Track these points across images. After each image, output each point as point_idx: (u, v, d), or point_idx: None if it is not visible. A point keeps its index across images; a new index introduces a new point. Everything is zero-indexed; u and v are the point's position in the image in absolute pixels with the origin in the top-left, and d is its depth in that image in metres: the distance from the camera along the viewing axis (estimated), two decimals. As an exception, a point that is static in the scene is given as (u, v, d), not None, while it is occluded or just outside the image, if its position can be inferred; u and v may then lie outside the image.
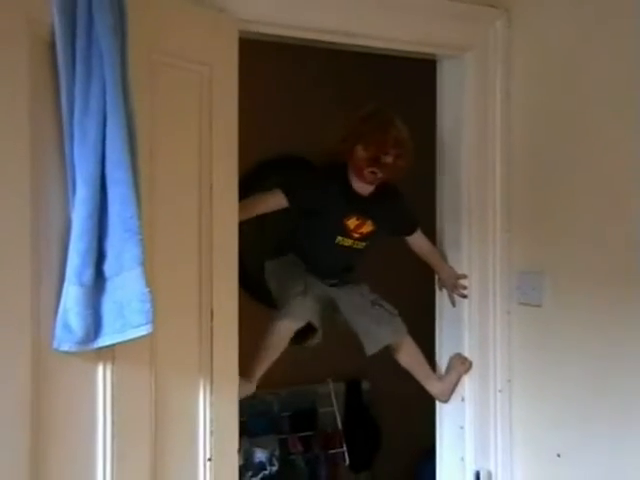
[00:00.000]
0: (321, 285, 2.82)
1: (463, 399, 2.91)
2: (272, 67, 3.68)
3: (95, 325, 1.85)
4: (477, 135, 2.90)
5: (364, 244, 2.80)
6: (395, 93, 3.56)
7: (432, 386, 2.94)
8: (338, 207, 2.73)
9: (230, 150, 2.31)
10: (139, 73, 1.99)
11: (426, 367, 2.95)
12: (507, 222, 2.90)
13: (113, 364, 1.97)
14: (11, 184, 1.78)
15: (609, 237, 2.57)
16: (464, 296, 2.89)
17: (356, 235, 2.77)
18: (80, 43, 1.82)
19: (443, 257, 2.98)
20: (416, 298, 3.20)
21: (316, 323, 2.74)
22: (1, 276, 1.76)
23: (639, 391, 2.47)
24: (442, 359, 2.99)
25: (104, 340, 1.87)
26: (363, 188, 2.73)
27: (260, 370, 2.67)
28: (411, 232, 2.92)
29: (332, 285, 2.85)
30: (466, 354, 2.89)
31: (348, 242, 2.77)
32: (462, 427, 2.91)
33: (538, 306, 2.79)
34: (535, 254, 2.83)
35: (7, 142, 1.77)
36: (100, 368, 1.95)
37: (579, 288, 2.66)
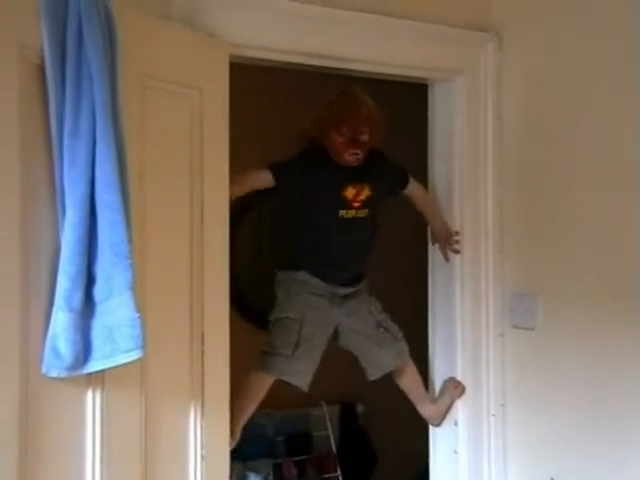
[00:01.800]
0: (328, 312, 2.73)
1: (456, 423, 2.90)
2: (262, 90, 3.67)
3: (84, 350, 1.83)
4: (469, 157, 2.91)
5: (366, 211, 2.74)
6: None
7: (425, 409, 2.93)
8: (331, 181, 2.69)
9: (221, 173, 2.31)
10: (129, 96, 1.99)
11: (422, 390, 2.94)
12: (500, 243, 2.91)
13: (103, 389, 1.94)
14: (0, 207, 1.77)
15: (603, 260, 2.57)
16: (456, 251, 2.88)
17: (356, 204, 2.71)
18: (70, 66, 1.82)
19: (435, 277, 2.97)
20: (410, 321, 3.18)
21: (297, 383, 2.68)
22: (-11, 300, 1.75)
23: (634, 415, 2.47)
24: (435, 381, 2.99)
25: (93, 365, 1.85)
26: (349, 163, 2.70)
27: (241, 423, 2.57)
28: (406, 182, 2.89)
29: (345, 297, 2.77)
30: (459, 377, 2.89)
31: (351, 213, 2.71)
32: (456, 451, 2.90)
33: (531, 329, 2.79)
34: (528, 276, 2.83)
35: (-4, 165, 1.77)
36: (89, 393, 1.93)
37: (573, 311, 2.66)
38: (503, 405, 2.89)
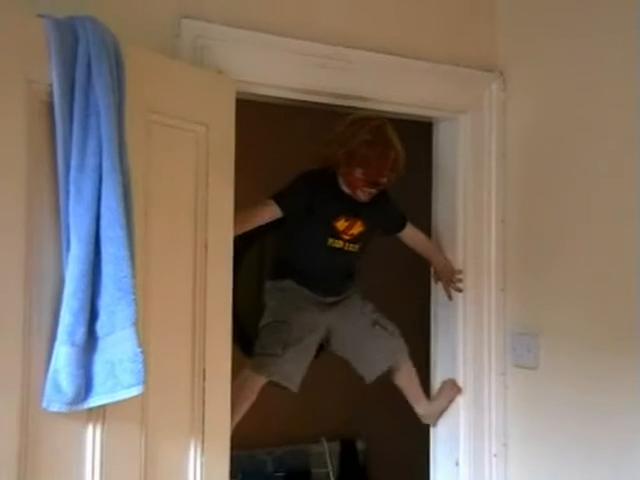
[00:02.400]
0: (316, 314, 2.75)
1: (458, 463, 2.88)
2: (262, 126, 3.69)
3: (86, 385, 1.83)
4: (473, 195, 2.92)
5: (357, 246, 2.76)
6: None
7: (420, 408, 2.93)
8: (326, 209, 2.71)
9: (226, 208, 2.31)
10: (136, 133, 2.01)
11: (419, 389, 2.93)
12: (502, 282, 2.90)
13: (103, 424, 1.94)
14: (5, 241, 1.78)
15: (604, 300, 2.56)
16: (459, 290, 2.87)
17: (346, 237, 2.73)
18: (78, 103, 1.84)
19: (437, 315, 2.97)
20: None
21: (287, 384, 2.68)
22: (-8, 334, 1.75)
23: (636, 459, 2.44)
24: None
25: (95, 400, 1.85)
26: (354, 196, 2.71)
27: (232, 425, 2.49)
28: (402, 227, 2.90)
29: (332, 304, 2.79)
30: (461, 418, 2.86)
31: (339, 244, 2.73)
32: (457, 491, 2.88)
33: (534, 369, 2.77)
34: (530, 315, 2.82)
35: (3, 198, 1.78)
36: (90, 428, 1.92)
37: (575, 351, 2.65)
38: (505, 445, 2.87)
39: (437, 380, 2.97)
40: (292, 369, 2.68)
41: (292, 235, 2.80)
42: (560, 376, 2.69)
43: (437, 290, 2.98)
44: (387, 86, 2.71)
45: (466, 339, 2.88)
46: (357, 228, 2.74)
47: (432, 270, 2.97)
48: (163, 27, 2.31)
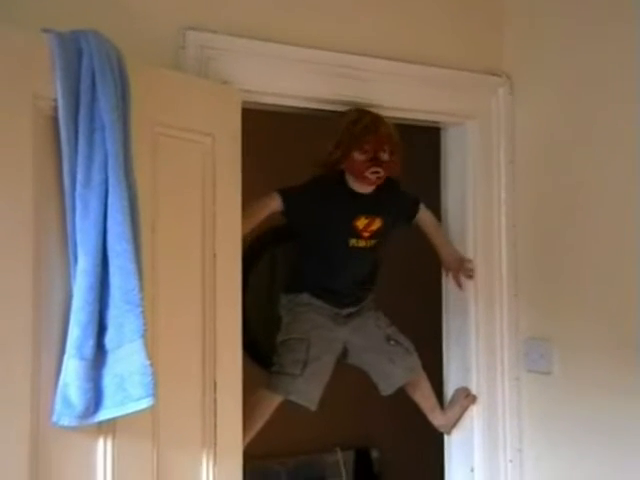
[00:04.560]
0: (333, 330, 2.73)
1: (472, 469, 2.86)
2: (266, 134, 3.68)
3: (95, 398, 1.82)
4: (482, 201, 2.91)
5: (374, 242, 2.73)
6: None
7: (435, 418, 2.92)
8: (343, 210, 2.68)
9: (234, 219, 2.31)
10: (142, 145, 2.01)
11: (434, 401, 2.92)
12: (514, 287, 2.89)
13: (114, 438, 1.93)
14: (13, 256, 1.78)
15: (619, 305, 2.55)
16: (470, 277, 2.86)
17: (366, 234, 2.71)
18: (83, 118, 1.84)
19: (449, 323, 2.96)
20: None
21: (305, 403, 2.67)
22: (1, 348, 1.74)
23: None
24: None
25: (105, 414, 1.84)
26: (363, 188, 2.69)
27: (245, 442, 2.49)
28: (417, 210, 2.88)
29: (349, 316, 2.76)
30: (475, 424, 2.85)
31: (362, 243, 2.71)
32: (472, 498, 2.86)
33: (547, 374, 2.76)
34: (543, 321, 2.81)
35: (10, 214, 1.78)
36: (100, 442, 1.91)
37: (588, 356, 2.64)
38: (520, 450, 2.86)
39: (450, 387, 2.95)
40: (310, 388, 2.67)
41: (311, 244, 2.76)
42: (574, 381, 2.68)
43: (447, 299, 2.97)
44: (394, 92, 2.70)
45: (478, 345, 2.87)
46: (376, 224, 2.71)
47: (442, 261, 2.94)
48: (167, 39, 2.31)
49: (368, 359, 2.81)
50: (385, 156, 2.61)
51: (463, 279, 2.88)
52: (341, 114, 2.63)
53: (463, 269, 2.87)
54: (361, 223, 2.69)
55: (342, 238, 2.69)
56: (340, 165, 2.65)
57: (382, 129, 2.61)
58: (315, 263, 2.76)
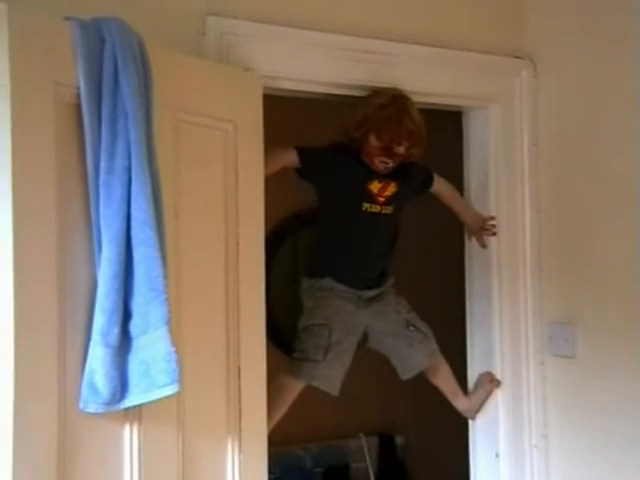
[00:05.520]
0: (355, 315, 2.72)
1: (497, 455, 2.85)
2: (287, 118, 3.67)
3: (121, 385, 1.83)
4: (506, 185, 2.89)
5: (391, 208, 2.71)
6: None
7: (459, 403, 2.92)
8: (357, 173, 2.66)
9: (256, 206, 2.31)
10: (164, 133, 2.01)
11: (455, 385, 2.92)
12: (538, 271, 2.87)
13: (140, 424, 1.94)
14: (37, 244, 1.78)
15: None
16: (493, 234, 2.85)
17: (381, 199, 2.68)
18: (105, 105, 1.84)
19: (473, 307, 2.95)
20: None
21: (328, 389, 2.67)
22: (27, 337, 1.75)
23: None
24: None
25: (131, 400, 1.85)
26: (376, 170, 2.67)
27: (269, 428, 2.46)
28: (431, 182, 2.86)
29: (370, 299, 2.75)
30: (500, 410, 2.84)
31: (376, 208, 2.68)
32: (498, 484, 2.85)
33: (572, 357, 2.74)
34: (566, 304, 2.79)
35: (34, 202, 1.78)
36: (127, 428, 1.93)
37: (614, 339, 2.62)
38: (545, 436, 2.84)
39: (474, 372, 2.94)
40: (333, 373, 2.67)
41: (326, 211, 2.74)
42: (599, 365, 2.66)
43: (471, 283, 2.96)
44: (416, 76, 2.68)
45: (502, 330, 2.85)
46: (391, 189, 2.69)
47: (465, 224, 2.94)
48: (188, 25, 2.31)
49: (388, 343, 2.81)
50: (400, 149, 2.60)
51: (487, 238, 2.87)
52: (375, 92, 2.62)
53: (485, 227, 2.86)
54: (375, 187, 2.67)
55: (355, 202, 2.67)
56: (356, 144, 2.65)
57: (406, 123, 2.59)
58: (332, 234, 2.74)
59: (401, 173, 2.70)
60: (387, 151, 2.59)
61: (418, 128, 2.61)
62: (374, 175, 2.66)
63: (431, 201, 2.91)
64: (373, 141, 2.59)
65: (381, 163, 2.62)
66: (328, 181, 2.68)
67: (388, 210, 2.70)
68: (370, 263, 2.77)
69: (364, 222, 2.69)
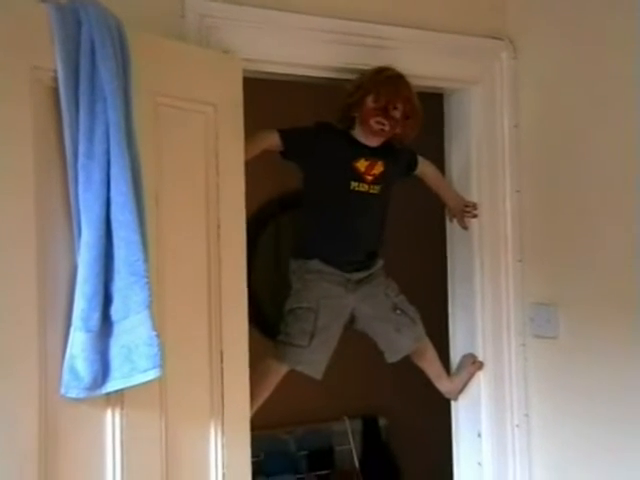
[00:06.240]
0: (343, 298, 2.71)
1: (480, 435, 2.87)
2: (272, 101, 3.66)
3: (103, 370, 1.83)
4: (487, 166, 2.90)
5: (379, 187, 2.69)
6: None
7: (442, 385, 2.93)
8: (343, 152, 2.65)
9: (237, 189, 2.30)
10: (144, 116, 2.00)
11: (439, 367, 2.93)
12: (519, 252, 2.88)
13: (122, 409, 1.95)
14: (16, 229, 1.78)
15: (623, 269, 2.54)
16: (475, 216, 2.87)
17: (369, 177, 2.67)
18: (83, 89, 1.83)
19: (455, 290, 2.97)
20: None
21: (311, 373, 2.67)
22: (7, 322, 1.75)
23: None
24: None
25: (112, 385, 1.85)
26: (368, 140, 2.66)
27: (253, 411, 2.47)
28: (416, 162, 2.87)
29: (359, 282, 2.73)
30: (482, 390, 2.86)
31: (363, 187, 2.66)
32: (480, 463, 2.87)
33: (553, 338, 2.76)
34: (548, 286, 2.80)
35: (11, 186, 1.77)
36: (109, 413, 1.93)
37: (594, 320, 2.63)
38: (527, 415, 2.86)
39: (457, 354, 2.96)
40: (317, 358, 2.66)
41: (313, 191, 2.72)
42: (580, 346, 2.68)
43: (453, 267, 2.97)
44: (397, 58, 2.66)
45: (484, 312, 2.87)
46: (378, 168, 2.67)
47: (447, 207, 2.95)
48: (167, 8, 2.29)
49: (375, 327, 2.81)
50: (396, 113, 2.59)
51: (469, 220, 2.88)
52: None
53: (466, 209, 2.87)
54: (362, 165, 2.65)
55: (343, 181, 2.65)
56: (354, 111, 2.63)
57: (403, 89, 2.60)
58: (321, 214, 2.71)
59: (387, 153, 2.69)
60: (383, 111, 2.57)
61: (414, 98, 2.62)
62: (360, 152, 2.65)
63: (415, 183, 2.91)
64: (369, 102, 2.58)
65: (377, 124, 2.59)
66: (313, 161, 2.67)
67: (376, 190, 2.69)
68: (358, 244, 2.75)
69: (352, 201, 2.67)
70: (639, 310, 2.49)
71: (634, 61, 2.49)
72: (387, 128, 2.60)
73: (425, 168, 2.89)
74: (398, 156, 2.77)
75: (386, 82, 2.58)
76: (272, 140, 2.62)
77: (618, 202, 2.56)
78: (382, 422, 4.36)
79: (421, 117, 2.64)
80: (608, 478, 2.57)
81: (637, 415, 2.49)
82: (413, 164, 2.86)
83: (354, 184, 2.65)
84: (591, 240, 2.65)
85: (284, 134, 2.62)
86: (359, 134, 2.66)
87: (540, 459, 2.84)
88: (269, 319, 3.74)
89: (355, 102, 2.61)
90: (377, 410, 4.32)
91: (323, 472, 4.07)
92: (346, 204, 2.68)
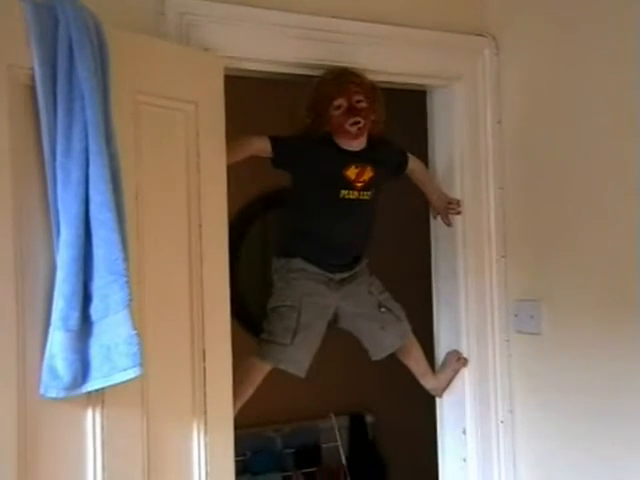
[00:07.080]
0: (326, 297, 2.70)
1: (465, 431, 2.87)
2: (258, 99, 3.65)
3: (82, 370, 1.83)
4: (470, 163, 2.89)
5: (369, 193, 2.67)
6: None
7: (427, 382, 2.93)
8: (333, 160, 2.62)
9: (219, 187, 2.29)
10: (123, 114, 1.99)
11: (425, 365, 2.92)
12: (503, 249, 2.88)
13: (103, 408, 1.94)
14: (-7, 230, 1.77)
15: (606, 266, 2.54)
16: (458, 213, 2.87)
17: (359, 184, 2.65)
18: (61, 87, 1.82)
19: (439, 286, 2.98)
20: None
21: (295, 371, 2.65)
22: (-15, 323, 1.74)
23: (641, 422, 2.44)
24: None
25: (92, 384, 1.84)
26: (351, 144, 2.63)
27: (236, 409, 2.46)
28: (406, 161, 2.85)
29: (342, 281, 2.72)
30: (466, 387, 2.86)
31: (354, 194, 2.64)
32: (465, 460, 2.88)
33: (537, 334, 2.76)
34: (532, 282, 2.81)
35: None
36: (89, 413, 1.92)
37: (578, 316, 2.63)
38: (511, 411, 2.87)
39: (441, 351, 2.96)
40: (300, 356, 2.65)
41: (302, 199, 2.71)
42: (564, 341, 2.68)
43: (437, 264, 2.98)
44: (378, 56, 2.67)
45: (468, 308, 2.86)
46: (368, 173, 2.65)
47: (431, 204, 2.95)
48: (147, 5, 2.28)
49: (359, 325, 2.80)
50: (362, 104, 2.56)
51: (452, 217, 2.88)
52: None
53: (449, 206, 2.87)
54: (352, 172, 2.63)
55: (333, 190, 2.63)
56: (321, 128, 2.60)
57: (353, 78, 2.56)
58: (307, 220, 2.70)
59: (375, 155, 2.68)
60: (351, 110, 2.54)
61: (367, 83, 2.58)
62: (350, 160, 2.63)
63: (399, 181, 2.90)
64: (333, 111, 2.55)
65: (352, 125, 2.55)
66: (303, 169, 2.65)
67: (366, 196, 2.68)
68: (345, 250, 2.75)
69: (341, 209, 2.66)
70: (622, 306, 2.49)
71: (618, 56, 2.49)
72: (362, 122, 2.57)
73: (414, 166, 2.88)
74: (387, 157, 2.76)
75: (335, 83, 2.55)
76: (262, 146, 2.58)
77: (600, 198, 2.56)
78: (369, 419, 4.37)
79: (380, 92, 2.61)
80: (592, 473, 2.57)
81: (620, 409, 2.50)
82: (404, 163, 2.85)
83: (344, 192, 2.64)
84: (574, 236, 2.65)
85: (275, 141, 2.58)
86: (342, 142, 2.63)
87: (524, 455, 2.84)
88: (254, 316, 3.74)
89: (317, 120, 2.58)
90: (364, 407, 4.32)
91: (310, 469, 4.08)
92: (335, 212, 2.66)
